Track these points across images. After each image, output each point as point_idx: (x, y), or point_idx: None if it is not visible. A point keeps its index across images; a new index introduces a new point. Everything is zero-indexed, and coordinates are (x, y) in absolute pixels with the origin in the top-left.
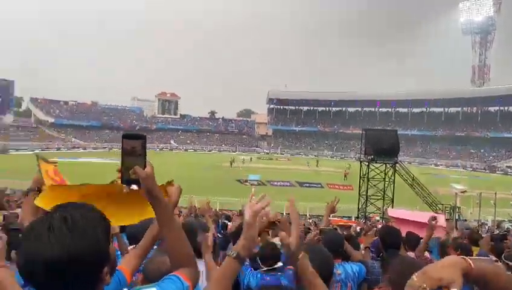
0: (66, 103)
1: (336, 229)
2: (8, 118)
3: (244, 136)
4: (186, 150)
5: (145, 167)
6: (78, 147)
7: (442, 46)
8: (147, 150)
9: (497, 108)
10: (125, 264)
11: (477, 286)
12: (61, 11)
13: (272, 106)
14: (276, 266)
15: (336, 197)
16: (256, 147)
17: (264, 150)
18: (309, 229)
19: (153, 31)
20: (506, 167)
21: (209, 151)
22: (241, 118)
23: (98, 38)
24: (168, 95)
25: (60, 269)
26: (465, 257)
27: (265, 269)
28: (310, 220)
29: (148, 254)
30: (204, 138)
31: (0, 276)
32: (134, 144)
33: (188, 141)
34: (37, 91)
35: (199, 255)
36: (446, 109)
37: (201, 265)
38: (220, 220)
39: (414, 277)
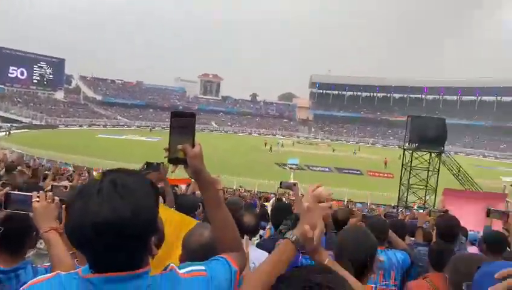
0: (113, 81)
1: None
2: (59, 95)
3: (285, 120)
4: (226, 132)
5: (193, 146)
6: (122, 125)
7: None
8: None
9: None
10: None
11: None
12: None
13: (314, 90)
14: None
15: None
16: (297, 132)
17: (305, 135)
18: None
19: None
20: None
21: (249, 133)
22: (282, 102)
23: (150, 21)
24: (210, 76)
25: (108, 232)
26: None
27: None
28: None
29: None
30: (245, 120)
31: (51, 237)
32: (183, 122)
33: (229, 123)
34: (85, 69)
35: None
36: (498, 98)
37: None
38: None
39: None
